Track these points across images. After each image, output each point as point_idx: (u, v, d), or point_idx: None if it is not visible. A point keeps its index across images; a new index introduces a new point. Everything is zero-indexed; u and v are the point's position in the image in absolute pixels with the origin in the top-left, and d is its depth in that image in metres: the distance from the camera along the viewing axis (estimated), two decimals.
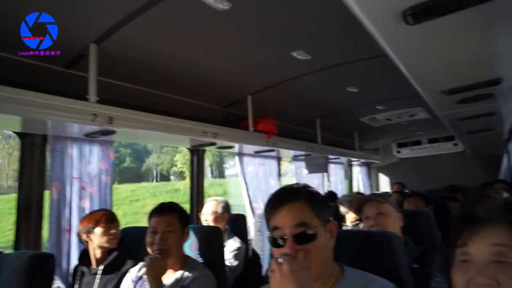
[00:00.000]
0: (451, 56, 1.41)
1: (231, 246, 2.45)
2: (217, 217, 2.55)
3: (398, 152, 6.55)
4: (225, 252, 2.34)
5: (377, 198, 1.80)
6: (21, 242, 1.96)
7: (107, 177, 2.43)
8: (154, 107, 2.42)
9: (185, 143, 2.99)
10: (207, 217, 2.57)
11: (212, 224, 2.52)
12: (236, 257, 2.40)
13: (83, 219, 1.97)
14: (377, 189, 7.27)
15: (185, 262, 1.66)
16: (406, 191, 5.23)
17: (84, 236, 1.90)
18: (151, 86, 2.43)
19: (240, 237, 2.57)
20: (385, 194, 2.07)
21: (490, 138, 4.18)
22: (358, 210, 1.87)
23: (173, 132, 2.29)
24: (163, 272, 1.56)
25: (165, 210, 1.67)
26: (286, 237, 0.97)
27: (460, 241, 0.80)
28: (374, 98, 3.50)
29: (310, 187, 1.10)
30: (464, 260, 0.78)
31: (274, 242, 1.00)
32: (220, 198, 2.68)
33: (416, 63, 1.47)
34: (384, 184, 7.33)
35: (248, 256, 2.60)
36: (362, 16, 1.00)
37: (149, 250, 1.62)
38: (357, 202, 1.87)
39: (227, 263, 2.31)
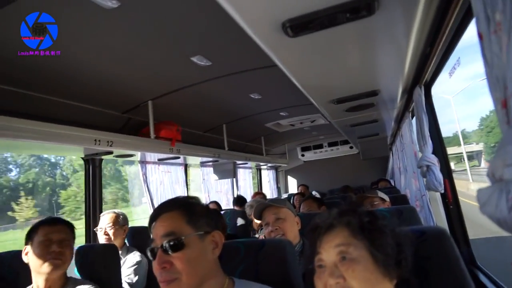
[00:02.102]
0: (334, 68, 1.51)
1: (130, 260, 2.28)
2: (118, 229, 2.36)
3: (303, 155, 6.98)
4: (123, 268, 2.18)
5: (275, 204, 1.83)
6: None
7: None
8: (39, 113, 2.13)
9: (78, 152, 2.69)
10: (107, 230, 2.34)
11: (112, 237, 2.32)
12: (136, 271, 2.23)
13: None
14: (286, 191, 7.63)
15: (66, 281, 1.55)
16: (314, 192, 5.60)
17: None
18: (36, 90, 2.10)
19: (145, 252, 2.42)
20: (283, 199, 2.13)
21: (377, 142, 4.68)
22: (259, 217, 1.89)
23: (58, 141, 2.00)
24: None
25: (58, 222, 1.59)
26: (157, 248, 0.95)
27: (316, 250, 0.88)
28: (277, 105, 3.61)
29: (193, 198, 1.08)
30: (319, 265, 0.87)
31: (151, 255, 0.98)
32: (118, 210, 2.48)
33: (303, 74, 1.54)
34: (293, 186, 7.72)
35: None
36: (246, 26, 1.00)
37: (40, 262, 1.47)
38: (256, 209, 1.88)
39: (126, 279, 2.15)
